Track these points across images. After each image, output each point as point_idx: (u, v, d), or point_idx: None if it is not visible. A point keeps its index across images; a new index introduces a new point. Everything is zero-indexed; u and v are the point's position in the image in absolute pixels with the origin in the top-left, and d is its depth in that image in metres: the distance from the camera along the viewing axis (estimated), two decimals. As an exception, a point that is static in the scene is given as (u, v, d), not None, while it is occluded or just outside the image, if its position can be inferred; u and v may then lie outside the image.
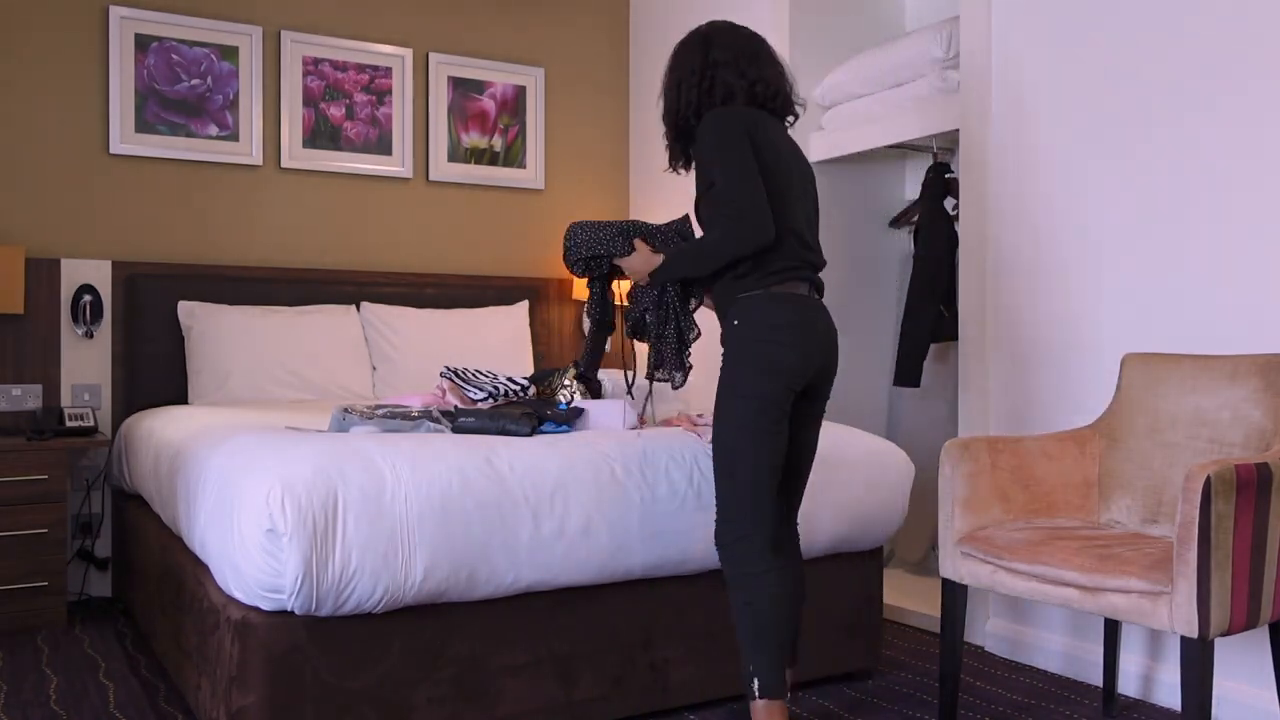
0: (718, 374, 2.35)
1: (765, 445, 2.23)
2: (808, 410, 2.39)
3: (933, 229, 3.80)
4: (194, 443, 2.71)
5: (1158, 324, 2.82)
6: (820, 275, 2.41)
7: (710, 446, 2.68)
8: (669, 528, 2.55)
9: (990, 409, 3.27)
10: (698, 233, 2.52)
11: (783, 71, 2.42)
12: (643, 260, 2.52)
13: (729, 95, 2.34)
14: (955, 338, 3.75)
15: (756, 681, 2.21)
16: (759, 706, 2.21)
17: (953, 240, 3.76)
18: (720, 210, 2.23)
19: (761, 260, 2.27)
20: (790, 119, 2.47)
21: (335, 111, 4.36)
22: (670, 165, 2.55)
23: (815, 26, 4.07)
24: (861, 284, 4.19)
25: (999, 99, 3.25)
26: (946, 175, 3.85)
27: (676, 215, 4.81)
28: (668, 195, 4.75)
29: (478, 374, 2.96)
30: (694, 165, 2.41)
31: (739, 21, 2.54)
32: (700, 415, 2.98)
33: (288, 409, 3.41)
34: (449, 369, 2.96)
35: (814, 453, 2.47)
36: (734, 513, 2.26)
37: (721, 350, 2.33)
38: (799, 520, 2.58)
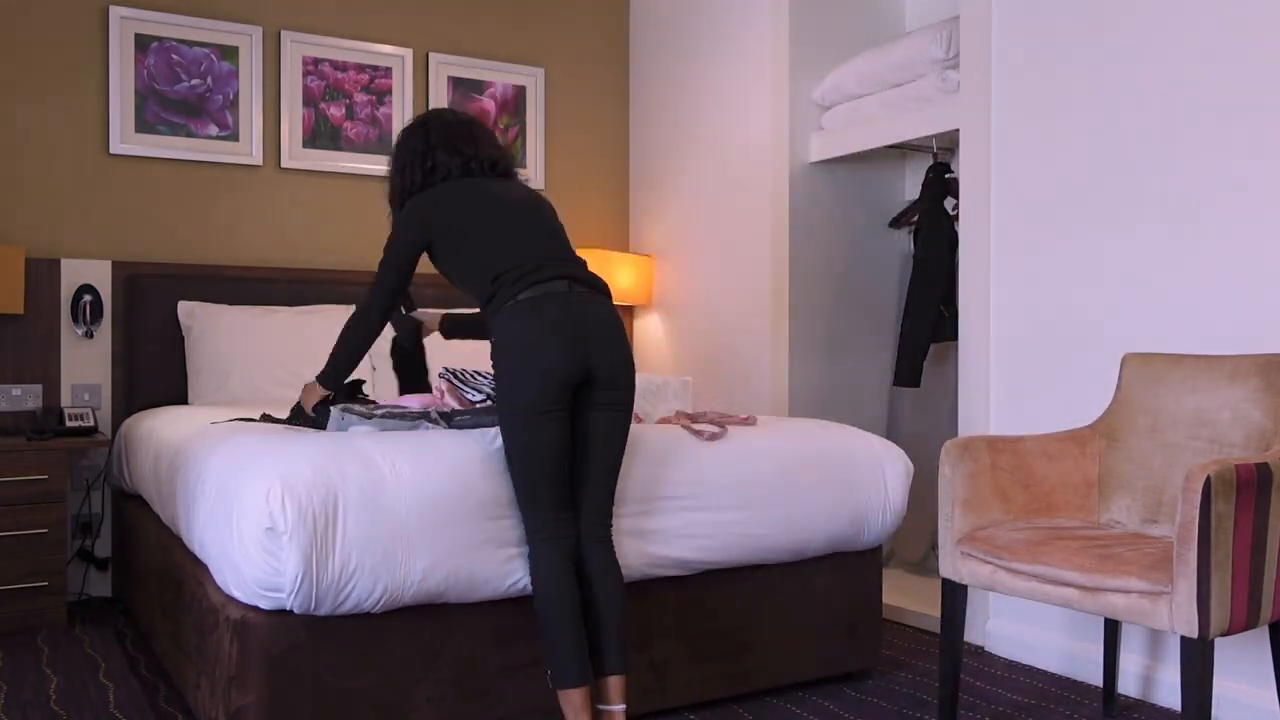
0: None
1: (517, 450, 2.32)
2: (592, 404, 2.37)
3: (933, 229, 3.80)
4: (194, 443, 2.71)
5: (1158, 324, 2.82)
6: (572, 266, 2.46)
7: (708, 446, 2.69)
8: (668, 527, 2.55)
9: (990, 409, 3.27)
10: None
11: (496, 143, 2.73)
12: (309, 393, 2.72)
13: (447, 173, 2.63)
14: (955, 338, 3.75)
15: (549, 672, 2.27)
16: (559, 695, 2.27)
17: (953, 240, 3.76)
18: (375, 280, 2.59)
19: (494, 281, 2.44)
20: (516, 173, 2.73)
21: (335, 111, 4.36)
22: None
23: (815, 26, 4.07)
24: (861, 284, 4.19)
25: (999, 99, 3.25)
26: (946, 175, 3.85)
27: (675, 217, 4.82)
28: (668, 194, 4.75)
29: (475, 375, 2.96)
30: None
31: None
32: (700, 415, 2.98)
33: (286, 409, 3.41)
34: (447, 370, 2.96)
35: (613, 449, 2.40)
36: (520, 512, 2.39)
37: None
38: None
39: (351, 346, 2.60)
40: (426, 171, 2.63)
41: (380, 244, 4.43)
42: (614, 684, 2.31)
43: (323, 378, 2.64)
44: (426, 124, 2.68)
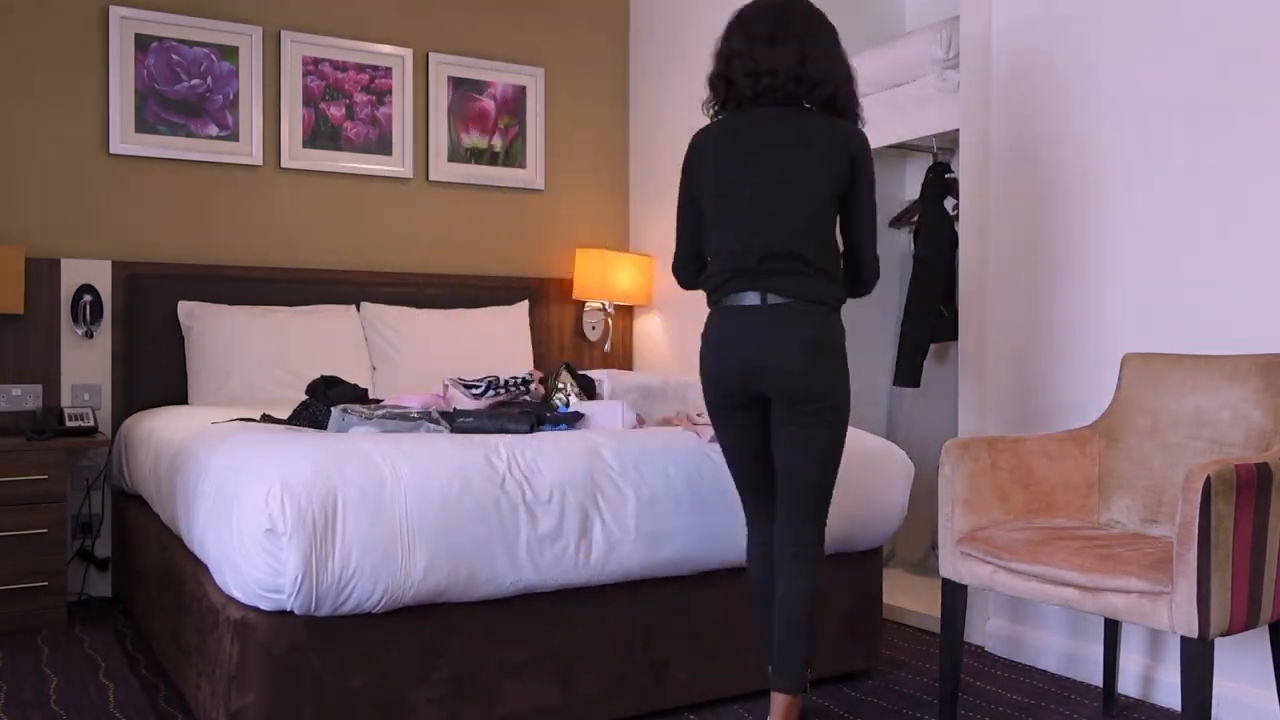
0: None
1: (726, 449, 2.41)
2: (780, 421, 2.28)
3: (933, 229, 3.80)
4: (194, 443, 2.71)
5: (1158, 324, 2.82)
6: (779, 279, 2.24)
7: (710, 446, 2.69)
8: (668, 528, 2.55)
9: (990, 409, 3.27)
10: None
11: (800, 50, 2.28)
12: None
13: (737, 93, 2.34)
14: (955, 338, 3.75)
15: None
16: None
17: (953, 240, 3.76)
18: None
19: (709, 279, 2.36)
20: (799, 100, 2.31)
21: (335, 111, 4.36)
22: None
23: (815, 26, 4.06)
24: (861, 284, 4.18)
25: (999, 99, 3.25)
26: (946, 175, 3.85)
27: (673, 221, 4.82)
28: (668, 194, 4.75)
29: (478, 380, 2.98)
30: None
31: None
32: (700, 415, 2.98)
33: (286, 409, 3.41)
34: (450, 380, 2.99)
35: (796, 467, 2.27)
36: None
37: None
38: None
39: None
40: (724, 88, 2.34)
41: (381, 244, 4.45)
42: (779, 704, 2.27)
43: None
44: (740, 13, 2.34)
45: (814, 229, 2.25)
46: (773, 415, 2.29)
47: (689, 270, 2.46)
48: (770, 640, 2.40)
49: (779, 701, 2.26)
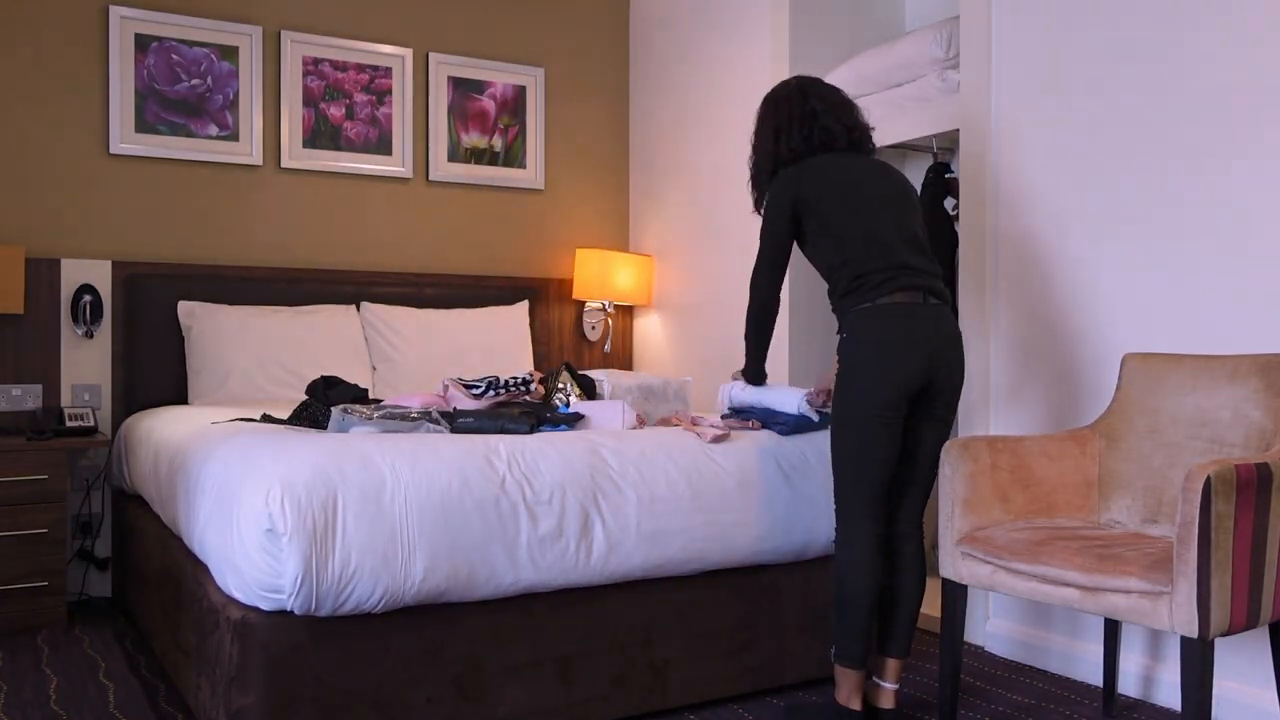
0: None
1: (850, 451, 2.47)
2: (924, 414, 2.52)
3: (933, 229, 3.80)
4: (194, 443, 2.71)
5: (1158, 324, 2.82)
6: (929, 278, 2.52)
7: (710, 446, 2.69)
8: (668, 528, 2.55)
9: (990, 409, 3.27)
10: None
11: (861, 113, 2.73)
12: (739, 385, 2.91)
13: (829, 138, 2.63)
14: None
15: (834, 647, 2.51)
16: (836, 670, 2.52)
17: (953, 240, 3.76)
18: (755, 266, 2.67)
19: (854, 279, 2.49)
20: (871, 147, 2.73)
21: (335, 111, 4.36)
22: (759, 208, 2.77)
23: (815, 26, 4.07)
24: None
25: (999, 99, 3.25)
26: (946, 175, 3.85)
27: (675, 217, 4.81)
28: (668, 194, 4.75)
29: (478, 381, 2.98)
30: None
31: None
32: (701, 416, 2.98)
33: (286, 409, 3.41)
34: (450, 380, 2.98)
35: (930, 455, 2.56)
36: (836, 505, 2.54)
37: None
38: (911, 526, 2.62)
39: (762, 335, 2.72)
40: (805, 137, 2.63)
41: (381, 244, 4.45)
42: (894, 665, 2.57)
43: (749, 375, 2.81)
44: (805, 89, 2.68)
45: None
46: (921, 409, 2.51)
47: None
48: (884, 622, 2.60)
49: (898, 665, 2.57)
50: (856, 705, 2.48)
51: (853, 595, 2.45)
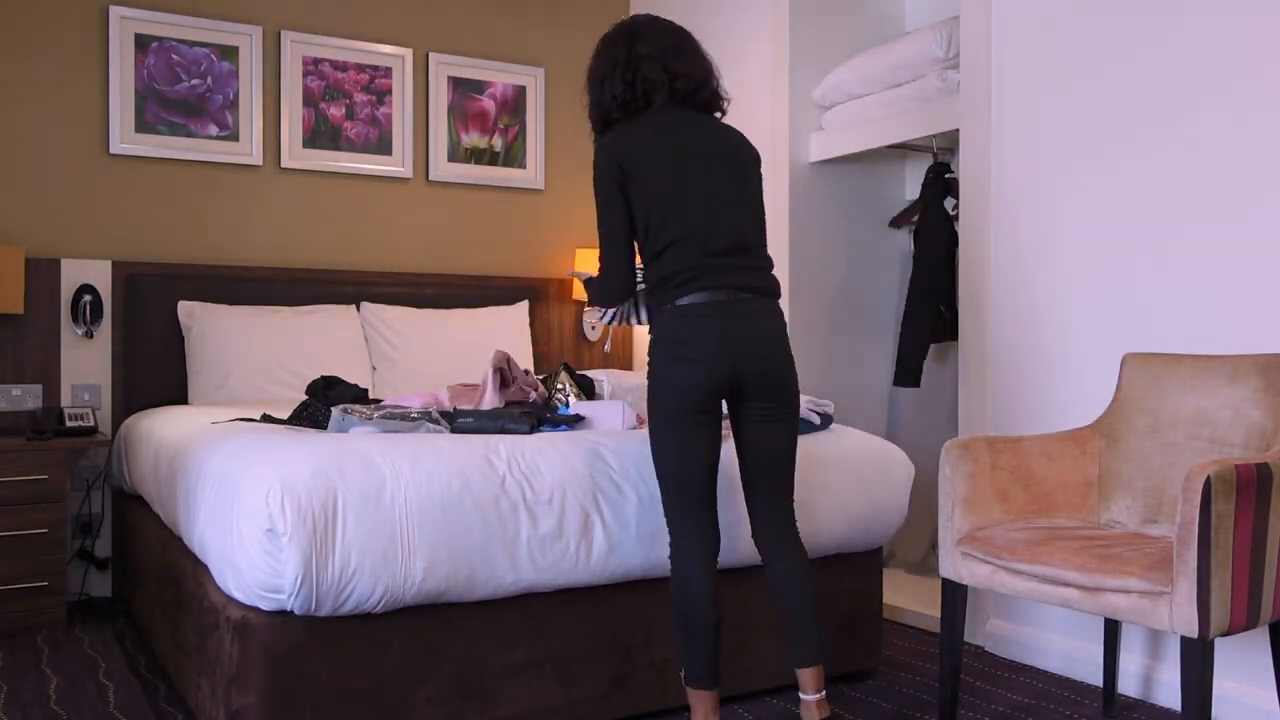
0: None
1: (672, 461, 2.28)
2: (753, 412, 2.32)
3: (933, 229, 3.80)
4: (194, 443, 2.71)
5: (1158, 324, 2.82)
6: (742, 273, 2.29)
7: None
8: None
9: (990, 409, 3.27)
10: None
11: (709, 66, 2.41)
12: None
13: (650, 90, 2.34)
14: (955, 338, 3.75)
15: (683, 670, 2.30)
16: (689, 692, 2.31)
17: (953, 240, 3.76)
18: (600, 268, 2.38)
19: (660, 274, 2.28)
20: (718, 113, 2.44)
21: (335, 111, 4.36)
22: None
23: (815, 26, 4.07)
24: (861, 284, 4.19)
25: (999, 99, 3.25)
26: (946, 175, 3.85)
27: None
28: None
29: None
30: None
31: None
32: None
33: (286, 409, 3.41)
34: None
35: (780, 452, 2.36)
36: (666, 519, 2.34)
37: None
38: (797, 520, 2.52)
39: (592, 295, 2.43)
40: (628, 85, 2.33)
41: (381, 244, 4.45)
42: (810, 675, 2.32)
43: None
44: (635, 30, 2.37)
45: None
46: (739, 409, 2.33)
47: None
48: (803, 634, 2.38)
49: (816, 673, 2.32)
50: None
51: (691, 611, 2.24)
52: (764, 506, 2.39)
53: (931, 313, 3.76)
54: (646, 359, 2.33)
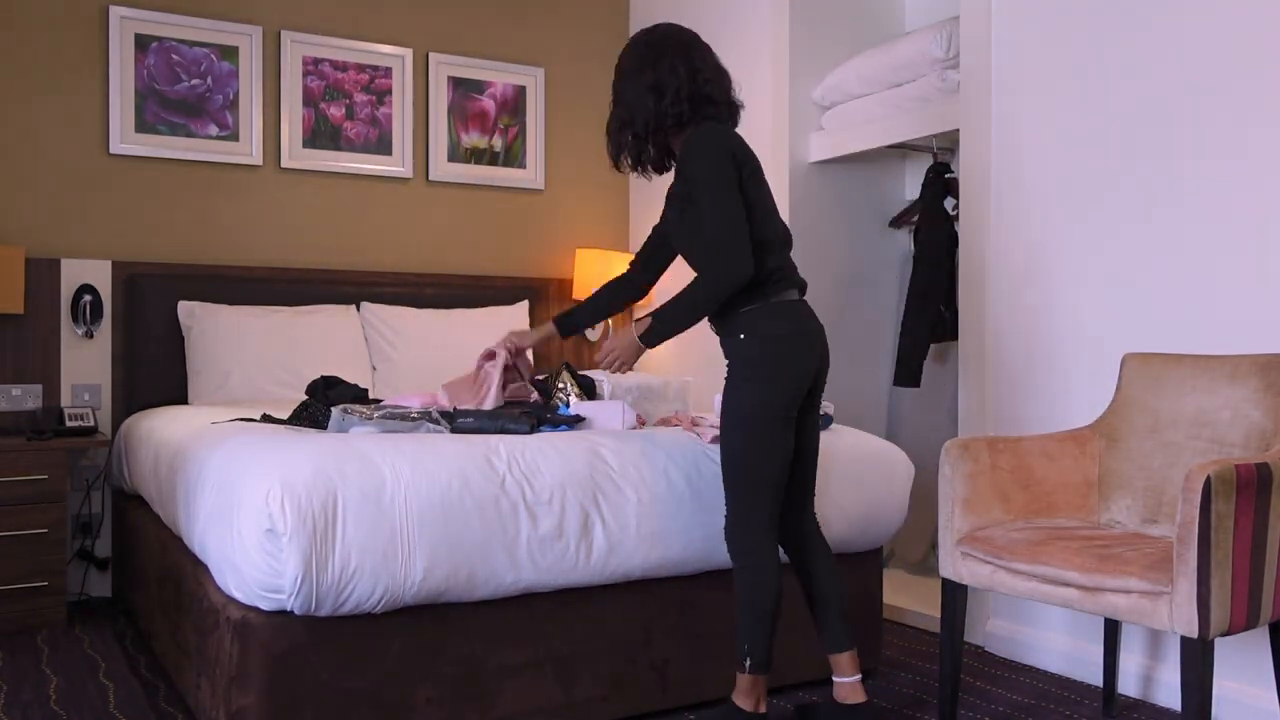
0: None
1: (777, 454, 2.35)
2: (809, 408, 2.48)
3: (933, 229, 3.80)
4: (194, 443, 2.71)
5: (1158, 324, 2.82)
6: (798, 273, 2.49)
7: (710, 447, 2.69)
8: (668, 528, 2.55)
9: (990, 409, 3.27)
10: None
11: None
12: (626, 341, 2.48)
13: (712, 110, 2.42)
14: (955, 338, 3.75)
15: (748, 659, 2.37)
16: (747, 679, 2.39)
17: (953, 240, 3.76)
18: (711, 252, 2.31)
19: (760, 273, 2.35)
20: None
21: (335, 111, 4.36)
22: (633, 168, 2.54)
23: (815, 26, 4.07)
24: (861, 284, 4.19)
25: (999, 99, 3.25)
26: (946, 175, 3.85)
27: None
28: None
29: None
30: (677, 173, 2.46)
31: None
32: (701, 416, 2.98)
33: (286, 409, 3.41)
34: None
35: (818, 440, 2.54)
36: (746, 514, 2.37)
37: (726, 362, 2.43)
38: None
39: (689, 316, 2.38)
40: (695, 98, 2.36)
41: (381, 244, 4.45)
42: (848, 659, 2.48)
43: (648, 337, 2.41)
44: (687, 44, 2.41)
45: None
46: (806, 401, 2.45)
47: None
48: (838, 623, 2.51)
49: (848, 657, 2.48)
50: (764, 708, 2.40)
51: (771, 599, 2.32)
52: (800, 497, 2.52)
53: (931, 312, 3.76)
54: (738, 355, 2.38)
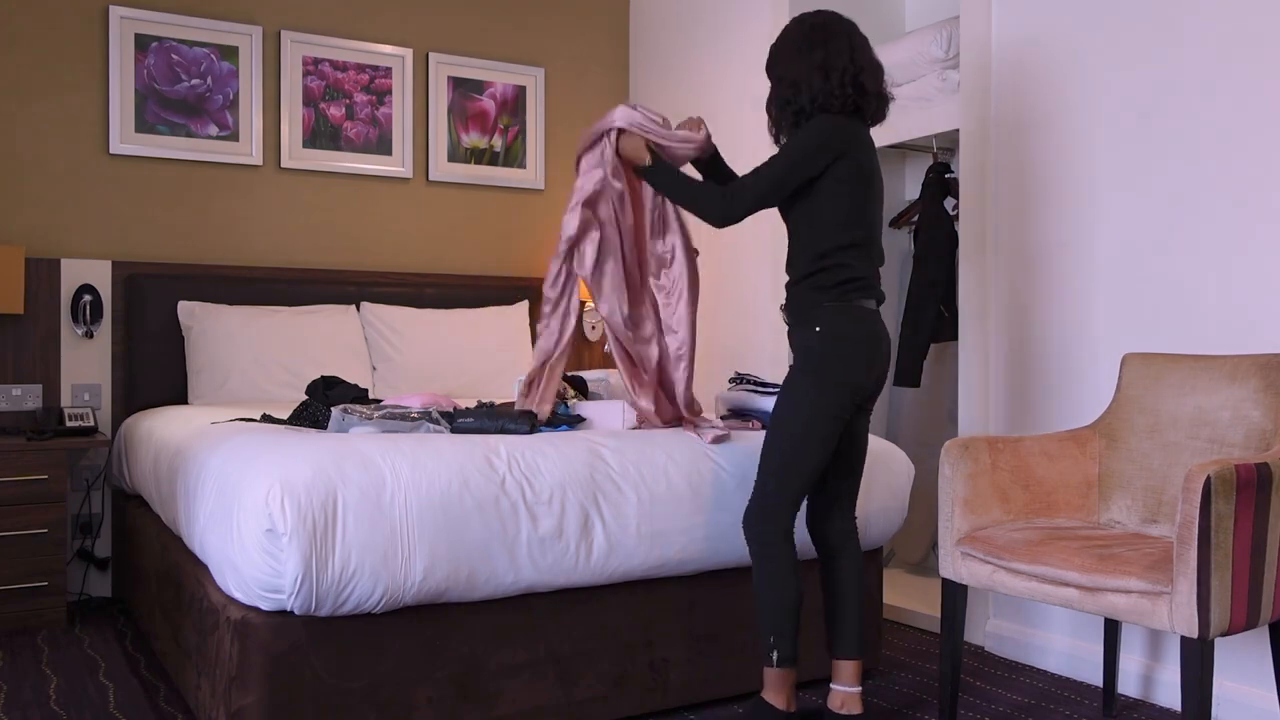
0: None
1: (817, 452, 2.40)
2: (862, 411, 2.54)
3: (933, 229, 3.80)
4: (194, 443, 2.71)
5: (1158, 324, 2.82)
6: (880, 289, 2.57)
7: (710, 447, 2.69)
8: (668, 528, 2.55)
9: (990, 409, 3.27)
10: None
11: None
12: (634, 147, 2.62)
13: (863, 102, 2.47)
14: (955, 338, 3.75)
15: (775, 652, 2.40)
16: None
17: (953, 240, 3.76)
18: (743, 183, 2.46)
19: (843, 273, 2.44)
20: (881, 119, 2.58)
21: (335, 111, 4.36)
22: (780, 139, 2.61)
23: (815, 26, 4.06)
24: (861, 284, 4.18)
25: (999, 99, 3.25)
26: (946, 175, 3.85)
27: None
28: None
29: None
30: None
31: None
32: (704, 420, 2.98)
33: (286, 409, 3.41)
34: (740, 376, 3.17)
35: (864, 443, 2.58)
36: (769, 501, 2.42)
37: (791, 353, 2.51)
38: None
39: (686, 198, 2.54)
40: (847, 86, 2.42)
41: (381, 244, 4.45)
42: (853, 668, 2.51)
43: (651, 170, 2.58)
44: (851, 33, 2.47)
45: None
46: (862, 404, 2.51)
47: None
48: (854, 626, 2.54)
49: (853, 666, 2.50)
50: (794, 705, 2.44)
51: (794, 591, 2.38)
52: (846, 496, 2.57)
53: (931, 312, 3.76)
54: (806, 347, 2.44)
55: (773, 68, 2.55)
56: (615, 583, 2.55)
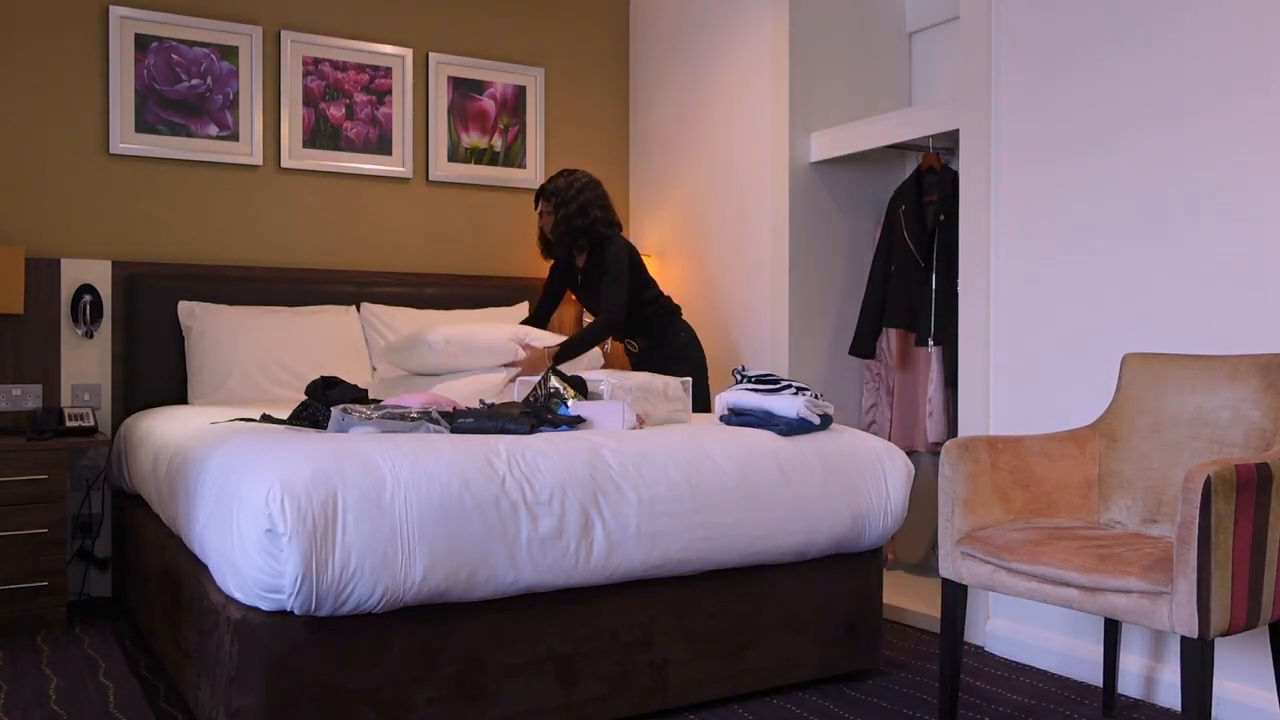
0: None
1: None
2: None
3: (910, 225, 3.85)
4: (194, 443, 2.71)
5: (1158, 324, 2.82)
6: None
7: (710, 447, 2.67)
8: (668, 528, 2.55)
9: (990, 409, 3.27)
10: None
11: None
12: (536, 360, 3.60)
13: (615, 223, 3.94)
14: (909, 327, 3.80)
15: None
16: None
17: (929, 227, 3.80)
18: (610, 310, 3.76)
19: (665, 304, 3.96)
20: None
21: (335, 111, 4.36)
22: (563, 254, 3.95)
23: (815, 26, 4.06)
24: (861, 284, 4.18)
25: (999, 99, 3.25)
26: (926, 175, 3.88)
27: (675, 217, 4.80)
28: (668, 194, 4.75)
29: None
30: (600, 259, 3.85)
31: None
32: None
33: (286, 409, 3.41)
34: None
35: None
36: None
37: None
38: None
39: (584, 348, 3.69)
40: (610, 215, 3.91)
41: (381, 244, 4.46)
42: None
43: (556, 359, 3.57)
44: (597, 185, 3.91)
45: None
46: None
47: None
48: None
49: None
50: None
51: None
52: None
53: (879, 292, 3.89)
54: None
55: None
56: (615, 583, 2.55)
